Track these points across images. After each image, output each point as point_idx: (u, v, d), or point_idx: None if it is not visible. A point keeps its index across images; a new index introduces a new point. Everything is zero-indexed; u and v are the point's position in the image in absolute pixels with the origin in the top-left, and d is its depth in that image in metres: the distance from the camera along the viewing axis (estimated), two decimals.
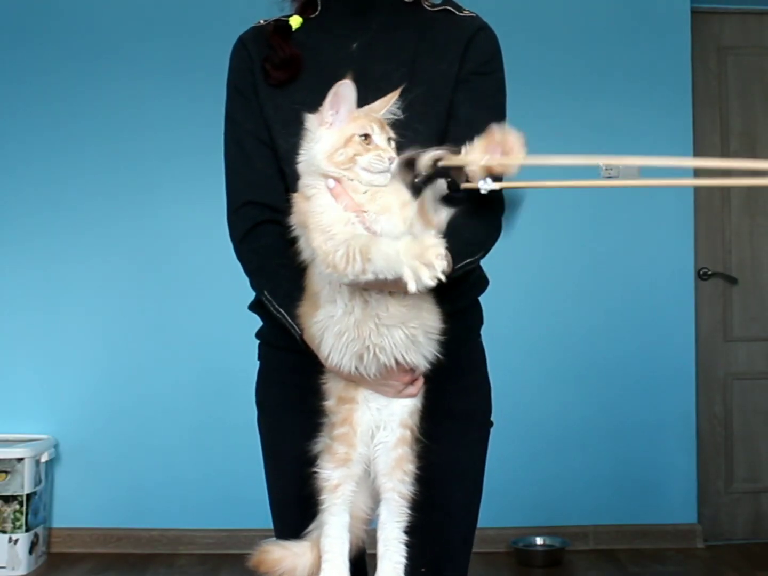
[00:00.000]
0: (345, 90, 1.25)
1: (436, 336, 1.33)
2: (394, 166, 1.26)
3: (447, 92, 1.49)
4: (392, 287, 1.23)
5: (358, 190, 1.26)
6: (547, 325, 4.00)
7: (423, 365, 1.33)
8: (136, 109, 4.00)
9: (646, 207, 4.02)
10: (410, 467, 1.34)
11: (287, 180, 1.44)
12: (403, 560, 1.34)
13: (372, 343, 1.28)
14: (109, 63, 4.00)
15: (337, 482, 1.32)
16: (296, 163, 1.30)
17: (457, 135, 1.46)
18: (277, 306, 1.42)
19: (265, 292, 1.45)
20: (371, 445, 1.34)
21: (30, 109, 4.00)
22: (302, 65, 1.50)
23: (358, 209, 1.24)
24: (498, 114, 1.53)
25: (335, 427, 1.33)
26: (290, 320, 1.38)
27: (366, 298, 1.27)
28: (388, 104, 1.31)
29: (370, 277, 1.18)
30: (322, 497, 1.33)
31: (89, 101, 3.99)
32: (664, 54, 4.01)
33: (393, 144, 1.28)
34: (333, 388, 1.36)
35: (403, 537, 1.34)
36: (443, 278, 1.12)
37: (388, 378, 1.32)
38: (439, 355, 1.31)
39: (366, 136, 1.25)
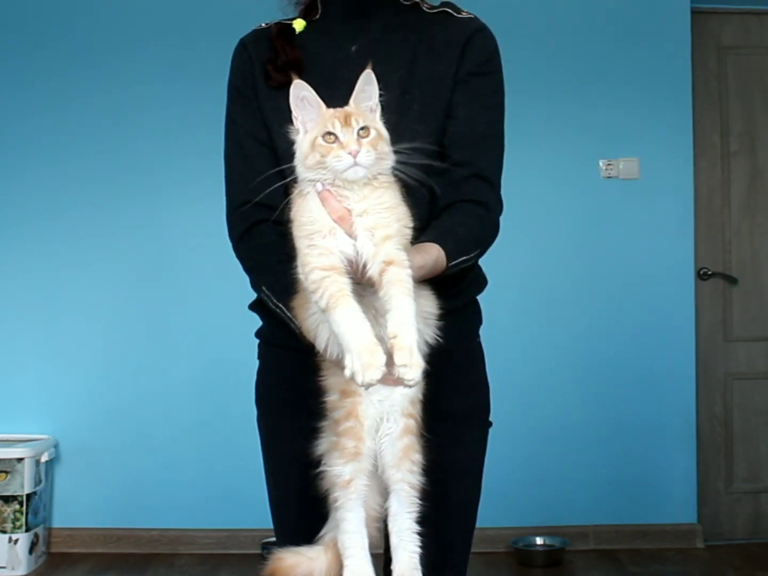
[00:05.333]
0: (298, 90, 1.24)
1: (434, 321, 1.32)
2: (366, 158, 1.21)
3: (445, 93, 1.49)
4: None
5: (348, 198, 1.24)
6: (548, 325, 3.99)
7: (422, 350, 1.29)
8: (138, 113, 3.99)
9: (646, 207, 4.02)
10: (417, 457, 1.33)
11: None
12: (418, 549, 1.33)
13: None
14: (111, 67, 4.00)
15: (349, 477, 1.29)
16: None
17: (456, 135, 1.49)
18: (275, 301, 1.42)
19: (264, 288, 1.46)
20: (377, 438, 1.32)
21: (31, 115, 4.00)
22: (303, 69, 1.50)
23: (343, 213, 1.22)
24: (496, 114, 1.54)
25: (340, 422, 1.31)
26: (289, 314, 1.39)
27: (361, 291, 1.25)
28: (357, 88, 1.27)
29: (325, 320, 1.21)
30: (334, 495, 1.31)
31: (90, 106, 3.99)
32: (664, 54, 4.01)
33: (374, 133, 1.24)
34: (334, 383, 1.34)
35: (416, 527, 1.33)
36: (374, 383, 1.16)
37: (387, 366, 1.29)
38: (438, 338, 1.30)
39: (329, 134, 1.22)
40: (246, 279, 1.53)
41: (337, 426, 1.32)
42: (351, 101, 1.26)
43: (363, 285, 1.26)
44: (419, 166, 1.27)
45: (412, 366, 1.16)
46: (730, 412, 4.12)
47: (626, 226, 4.03)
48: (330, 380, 1.35)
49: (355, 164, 1.21)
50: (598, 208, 4.01)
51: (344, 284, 1.19)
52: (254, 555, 3.70)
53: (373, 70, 1.38)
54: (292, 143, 1.30)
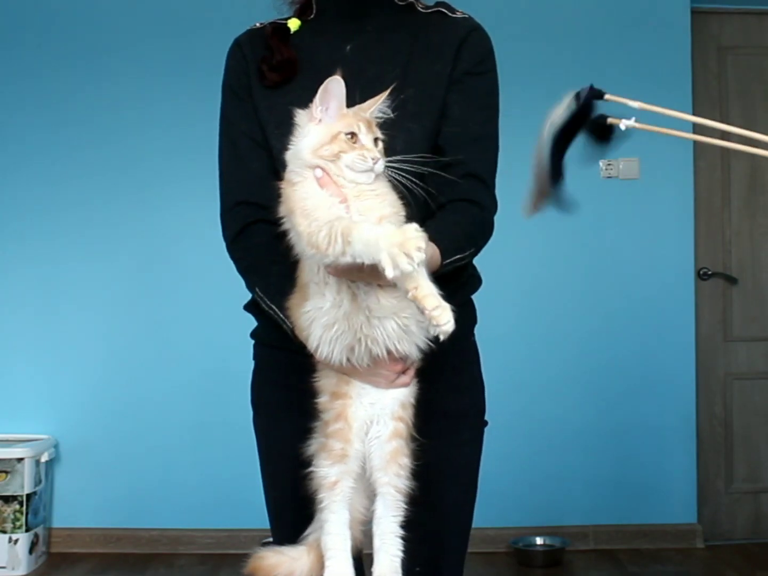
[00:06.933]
0: (334, 86, 1.27)
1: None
2: (380, 167, 1.27)
3: (440, 93, 1.50)
4: (376, 279, 1.23)
5: (344, 185, 1.27)
6: (547, 326, 3.98)
7: (415, 354, 1.33)
8: (136, 108, 3.99)
9: (646, 207, 4.01)
10: (405, 461, 1.34)
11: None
12: (400, 554, 1.34)
13: (363, 334, 1.28)
14: (110, 63, 3.99)
15: (335, 479, 1.31)
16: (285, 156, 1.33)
17: (450, 135, 1.50)
18: (268, 302, 1.43)
19: (257, 290, 1.46)
20: (366, 440, 1.33)
21: (30, 109, 3.98)
22: (298, 68, 1.52)
23: (342, 197, 1.26)
24: (491, 114, 1.55)
25: (329, 423, 1.32)
26: (282, 315, 1.40)
27: (354, 291, 1.28)
28: (376, 103, 1.32)
29: (348, 259, 1.17)
30: (320, 496, 1.32)
31: (89, 101, 3.98)
32: (664, 54, 3.98)
33: (381, 145, 1.29)
34: (326, 385, 1.35)
35: (400, 531, 1.34)
36: (418, 268, 1.14)
37: (380, 368, 1.32)
38: (431, 343, 1.31)
39: (352, 134, 1.26)
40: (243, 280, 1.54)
41: (327, 427, 1.33)
42: (368, 113, 1.31)
43: (356, 284, 1.28)
44: (414, 170, 1.29)
45: (443, 307, 1.16)
46: (730, 412, 4.11)
47: (626, 227, 4.01)
48: (322, 382, 1.36)
49: (372, 170, 1.26)
50: (597, 208, 3.96)
51: (351, 219, 1.23)
52: None
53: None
54: (287, 143, 1.32)
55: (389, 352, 1.30)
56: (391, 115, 1.34)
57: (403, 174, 1.28)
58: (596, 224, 3.99)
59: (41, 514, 3.81)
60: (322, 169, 1.27)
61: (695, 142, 4.01)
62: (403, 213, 1.28)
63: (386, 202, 1.27)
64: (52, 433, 3.93)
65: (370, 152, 1.26)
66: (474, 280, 1.60)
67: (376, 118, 1.33)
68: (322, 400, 1.35)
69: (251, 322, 1.62)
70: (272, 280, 1.43)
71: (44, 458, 3.78)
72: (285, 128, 1.34)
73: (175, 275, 4.00)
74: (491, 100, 1.55)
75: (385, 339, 1.29)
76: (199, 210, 3.76)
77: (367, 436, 1.33)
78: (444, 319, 1.16)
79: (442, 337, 1.18)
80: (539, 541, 3.87)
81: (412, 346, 1.31)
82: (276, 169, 1.47)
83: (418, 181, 1.30)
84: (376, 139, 1.28)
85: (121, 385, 3.96)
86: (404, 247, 1.11)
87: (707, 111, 4.09)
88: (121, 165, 3.99)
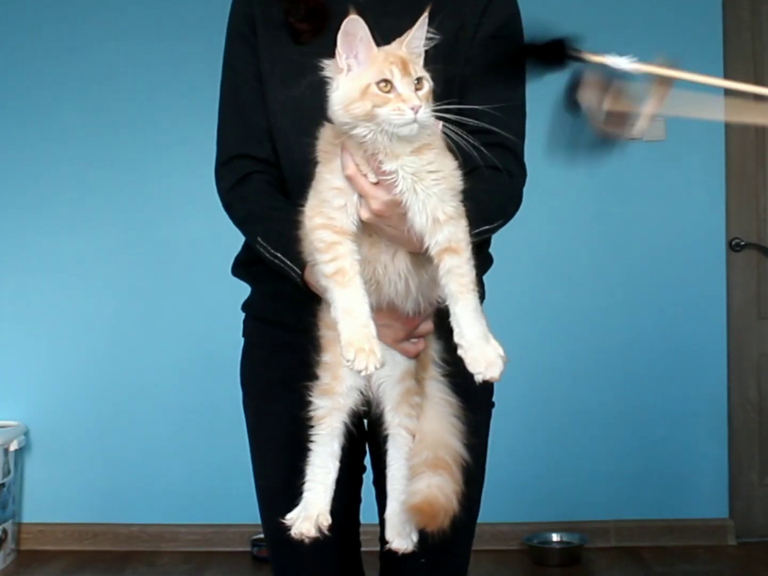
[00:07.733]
0: (353, 27, 1.19)
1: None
2: (425, 116, 1.17)
3: (462, 53, 1.51)
4: (406, 243, 1.27)
5: (383, 161, 1.21)
6: (564, 301, 3.92)
7: (432, 305, 1.34)
8: (121, 73, 3.92)
9: (672, 171, 3.93)
10: (417, 400, 1.37)
11: (279, 135, 1.46)
12: None
13: (375, 279, 1.29)
14: (92, 24, 3.89)
15: (322, 413, 1.34)
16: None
17: (475, 103, 1.48)
18: (272, 250, 1.43)
19: (259, 238, 1.45)
20: (373, 379, 1.35)
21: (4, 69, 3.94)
22: (328, 14, 1.48)
23: (353, 172, 1.22)
24: (517, 80, 1.54)
25: (321, 353, 1.36)
26: (288, 261, 1.39)
27: (374, 240, 1.30)
28: (413, 31, 1.23)
29: (319, 284, 1.28)
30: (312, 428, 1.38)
31: (68, 65, 3.91)
32: (692, 3, 3.87)
33: (427, 86, 1.20)
34: (325, 316, 1.34)
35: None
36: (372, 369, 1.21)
37: (392, 318, 1.34)
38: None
39: (386, 81, 1.18)
40: (233, 249, 1.58)
41: (321, 360, 1.37)
42: (403, 46, 1.22)
43: (379, 236, 1.29)
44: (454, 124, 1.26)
45: (489, 366, 1.20)
46: (764, 397, 3.98)
47: (650, 193, 3.92)
48: (323, 313, 1.37)
49: (415, 121, 1.18)
50: (618, 173, 3.82)
51: (356, 258, 1.23)
52: (243, 553, 3.71)
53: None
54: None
55: (408, 296, 1.32)
56: (438, 37, 1.26)
57: (449, 127, 1.21)
58: (617, 190, 3.92)
59: (10, 508, 3.77)
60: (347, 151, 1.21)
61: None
62: (460, 185, 1.26)
63: (440, 174, 1.22)
64: (22, 419, 3.90)
65: (408, 101, 1.17)
66: (487, 260, 1.62)
67: (421, 47, 1.23)
68: (322, 332, 1.37)
69: (239, 298, 1.63)
70: (274, 225, 1.42)
71: (13, 446, 3.74)
72: (291, 81, 1.33)
73: (158, 249, 3.94)
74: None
75: (406, 272, 1.31)
76: (183, 188, 3.81)
77: (372, 376, 1.34)
78: (491, 375, 1.20)
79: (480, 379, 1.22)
80: (555, 537, 3.83)
81: (428, 291, 1.33)
82: (275, 123, 1.47)
83: (466, 135, 1.22)
84: (419, 79, 1.19)
85: (98, 367, 3.91)
86: (362, 350, 1.18)
87: (740, 65, 3.97)
88: (98, 133, 3.91)
